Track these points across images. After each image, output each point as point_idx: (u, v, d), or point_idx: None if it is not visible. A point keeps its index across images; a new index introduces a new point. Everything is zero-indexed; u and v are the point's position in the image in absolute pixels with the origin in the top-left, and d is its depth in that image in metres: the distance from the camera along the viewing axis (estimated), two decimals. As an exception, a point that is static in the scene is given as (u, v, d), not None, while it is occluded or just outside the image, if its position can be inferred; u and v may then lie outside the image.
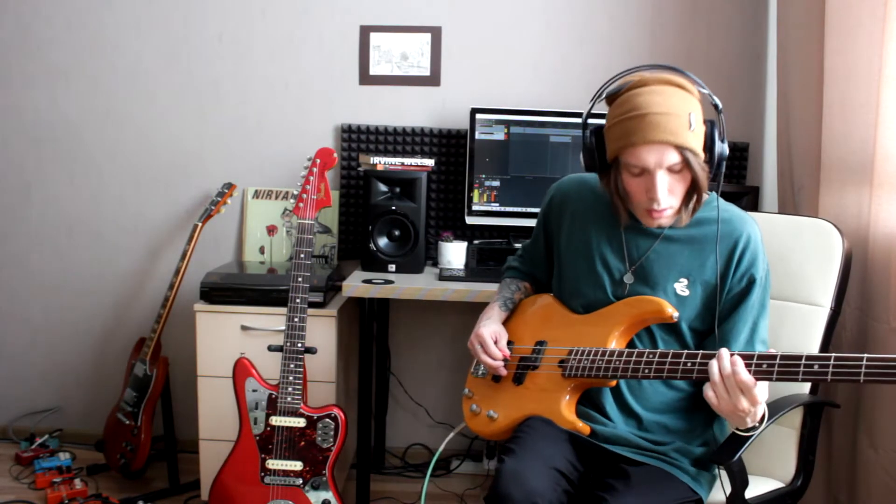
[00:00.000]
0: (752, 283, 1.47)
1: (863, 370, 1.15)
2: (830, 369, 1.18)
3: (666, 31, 2.65)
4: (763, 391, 1.28)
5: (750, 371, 1.25)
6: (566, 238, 1.62)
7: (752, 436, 1.33)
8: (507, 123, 2.53)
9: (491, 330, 1.60)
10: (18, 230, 2.85)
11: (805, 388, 1.64)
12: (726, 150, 1.41)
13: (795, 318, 1.68)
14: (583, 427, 1.45)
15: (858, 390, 1.86)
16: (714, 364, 1.28)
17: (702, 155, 1.38)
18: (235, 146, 2.78)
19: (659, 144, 1.35)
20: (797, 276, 1.70)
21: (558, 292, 1.65)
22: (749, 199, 2.43)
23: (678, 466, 1.45)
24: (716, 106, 1.42)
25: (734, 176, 2.65)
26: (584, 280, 1.56)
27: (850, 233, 1.83)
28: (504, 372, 1.56)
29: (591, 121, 1.50)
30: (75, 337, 2.89)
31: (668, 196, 1.39)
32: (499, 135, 2.54)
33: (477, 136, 2.53)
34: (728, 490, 1.41)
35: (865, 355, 1.15)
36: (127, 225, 2.82)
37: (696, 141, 1.37)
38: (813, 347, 1.64)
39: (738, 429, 1.33)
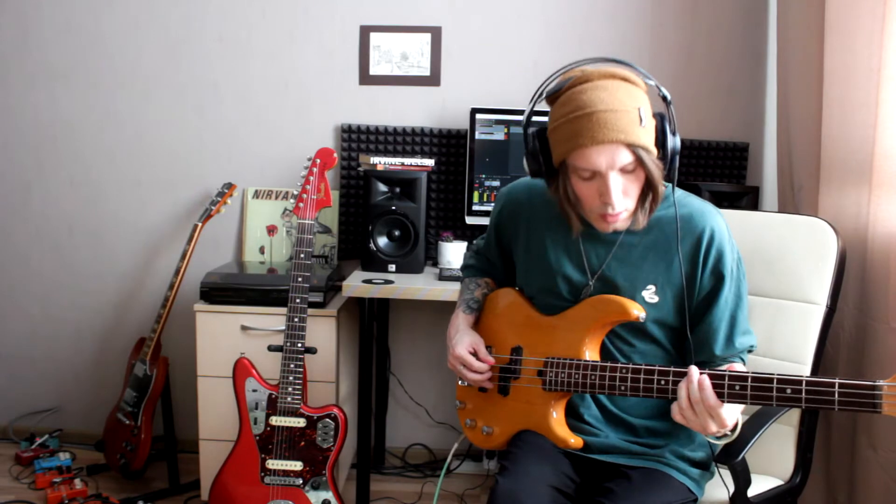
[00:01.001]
0: (721, 279, 1.41)
1: (836, 397, 1.12)
2: (804, 395, 1.15)
3: (666, 31, 2.65)
4: (731, 412, 1.25)
5: (723, 394, 1.22)
6: (523, 249, 1.56)
7: (720, 444, 1.31)
8: (507, 123, 2.53)
9: (466, 344, 1.54)
10: (18, 230, 2.85)
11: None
12: (679, 144, 1.32)
13: (792, 316, 1.68)
14: (575, 442, 1.43)
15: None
16: (682, 387, 1.24)
17: (654, 151, 1.30)
18: (235, 146, 2.78)
19: (609, 144, 1.25)
20: (793, 274, 1.70)
21: (524, 292, 1.60)
22: (749, 199, 2.43)
23: (675, 467, 1.45)
24: (664, 98, 1.32)
25: (734, 176, 2.66)
26: (546, 293, 1.52)
27: (850, 232, 1.83)
28: (490, 385, 1.54)
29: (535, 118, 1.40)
30: (75, 337, 2.89)
31: (622, 198, 1.31)
32: (499, 135, 2.54)
33: (477, 136, 2.53)
34: (730, 489, 1.41)
35: (837, 380, 1.13)
36: (127, 225, 2.83)
37: (647, 137, 1.28)
38: (810, 345, 1.64)
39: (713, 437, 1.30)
